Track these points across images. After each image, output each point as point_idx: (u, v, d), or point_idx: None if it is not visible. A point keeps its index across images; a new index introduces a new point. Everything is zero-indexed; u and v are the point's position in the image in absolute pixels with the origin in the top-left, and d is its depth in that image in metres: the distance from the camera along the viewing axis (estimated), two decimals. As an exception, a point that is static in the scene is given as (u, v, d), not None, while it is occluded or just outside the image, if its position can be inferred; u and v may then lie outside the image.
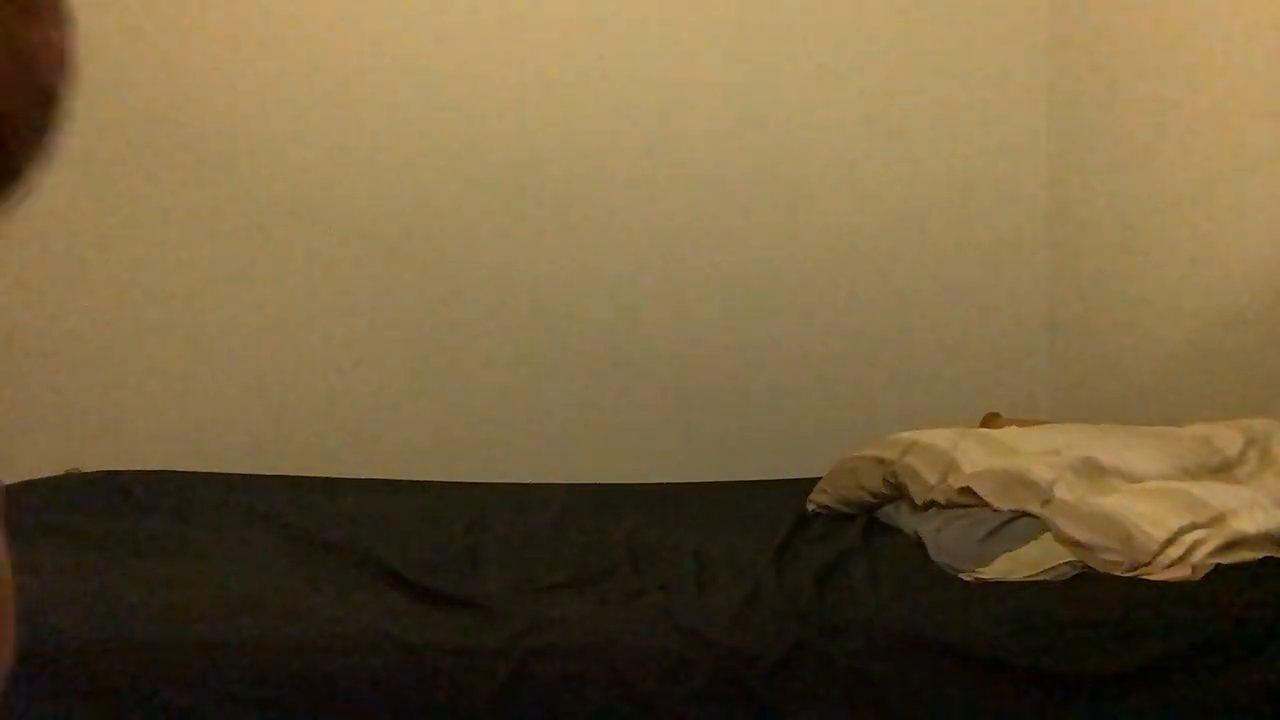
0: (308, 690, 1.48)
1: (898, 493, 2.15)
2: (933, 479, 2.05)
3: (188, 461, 2.60)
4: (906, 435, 2.22)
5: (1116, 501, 1.81)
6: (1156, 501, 1.78)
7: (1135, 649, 1.55)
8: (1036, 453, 2.04)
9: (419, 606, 1.66)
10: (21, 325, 2.76)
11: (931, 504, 2.03)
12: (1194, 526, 1.71)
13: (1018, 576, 1.75)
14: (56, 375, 2.78)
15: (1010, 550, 1.80)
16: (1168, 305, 2.53)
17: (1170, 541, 1.69)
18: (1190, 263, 2.46)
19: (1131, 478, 1.94)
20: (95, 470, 2.46)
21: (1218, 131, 2.36)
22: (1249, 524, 1.72)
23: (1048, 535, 1.81)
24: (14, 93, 0.63)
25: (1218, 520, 1.72)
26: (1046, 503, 1.86)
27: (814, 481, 2.35)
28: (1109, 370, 2.77)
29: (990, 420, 2.62)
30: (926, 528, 1.98)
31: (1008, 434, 2.21)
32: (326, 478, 2.58)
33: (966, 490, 1.97)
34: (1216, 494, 1.79)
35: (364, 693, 1.48)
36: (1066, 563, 1.75)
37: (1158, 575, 1.68)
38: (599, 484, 2.58)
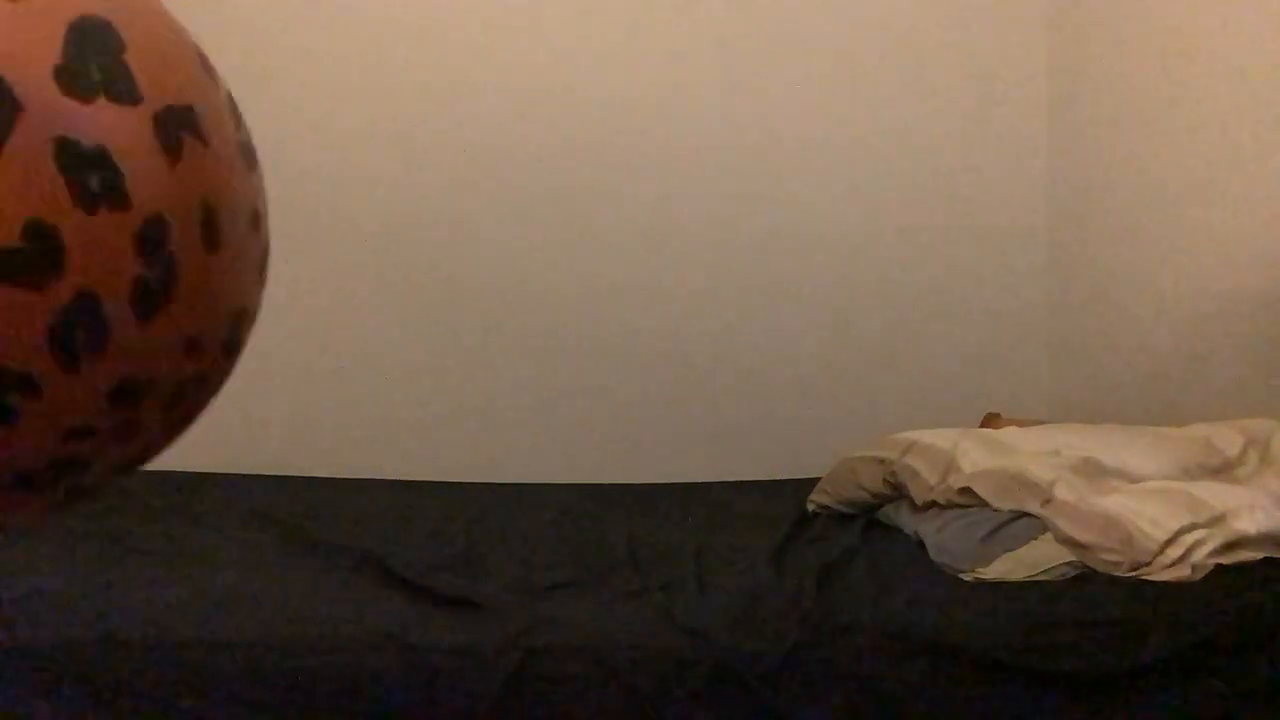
0: (308, 690, 1.48)
1: (898, 493, 2.15)
2: (933, 479, 2.05)
3: (188, 461, 2.60)
4: (906, 435, 2.22)
5: (1116, 502, 1.81)
6: (1156, 502, 1.78)
7: (1135, 649, 1.55)
8: (1036, 453, 2.04)
9: (419, 606, 1.66)
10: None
11: (931, 504, 2.03)
12: (1194, 527, 1.71)
13: (1018, 577, 1.75)
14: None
15: (1010, 550, 1.80)
16: (1168, 305, 2.53)
17: (1170, 542, 1.70)
18: (1190, 263, 2.46)
19: (1131, 478, 1.94)
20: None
21: (1218, 130, 2.36)
22: (1249, 524, 1.72)
23: (1048, 535, 1.81)
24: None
25: (1218, 520, 1.72)
26: (1046, 503, 1.86)
27: (814, 481, 2.35)
28: (1109, 370, 2.77)
29: (990, 420, 2.62)
30: (926, 528, 1.98)
31: (1008, 434, 2.21)
32: (326, 478, 2.58)
33: (966, 490, 1.97)
34: (1216, 494, 1.79)
35: (364, 693, 1.48)
36: (1066, 563, 1.75)
37: (1158, 575, 1.68)
38: (599, 484, 2.59)
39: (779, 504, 2.34)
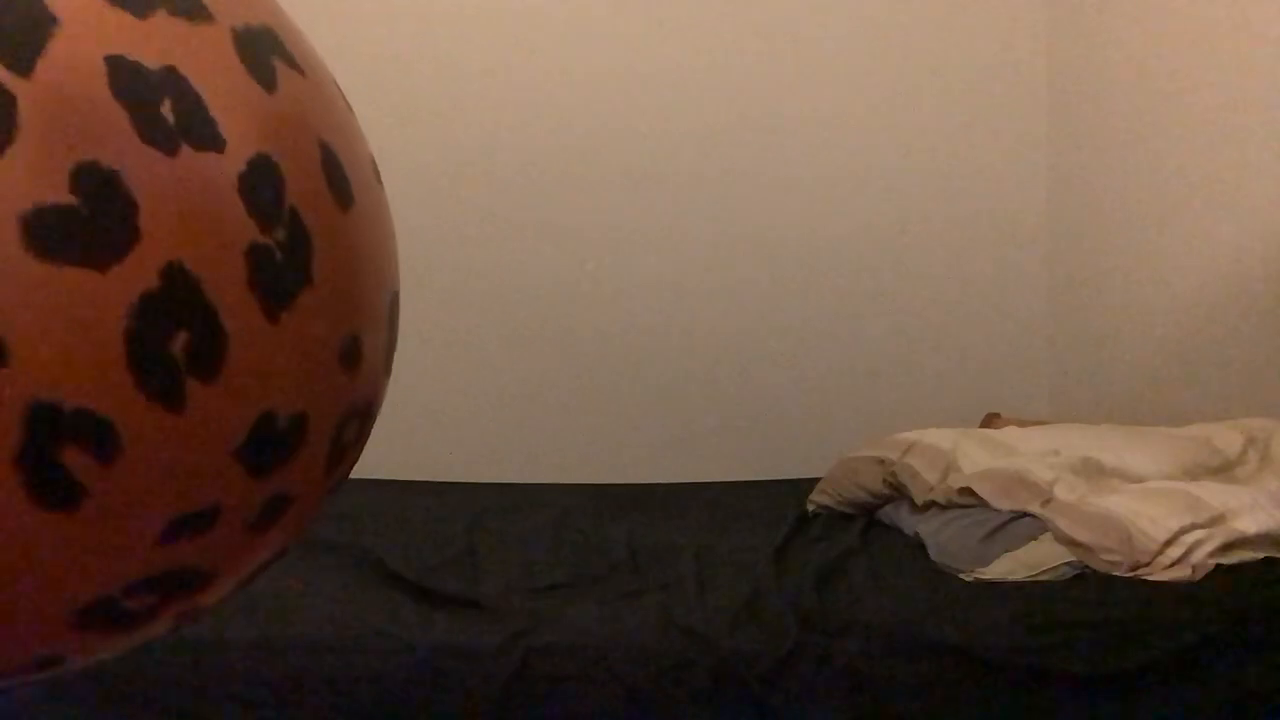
0: (308, 690, 1.48)
1: (898, 493, 2.15)
2: (933, 479, 2.05)
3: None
4: (906, 435, 2.22)
5: (1116, 502, 1.81)
6: (1156, 502, 1.78)
7: (1135, 649, 1.55)
8: (1036, 453, 2.04)
9: (419, 606, 1.66)
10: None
11: (931, 504, 2.03)
12: (1194, 527, 1.71)
13: (1018, 576, 1.75)
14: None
15: (1010, 550, 1.80)
16: (1168, 305, 2.53)
17: (1170, 542, 1.70)
18: (1190, 263, 2.46)
19: (1131, 478, 1.94)
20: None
21: (1218, 130, 2.36)
22: (1249, 524, 1.72)
23: (1048, 535, 1.81)
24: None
25: (1218, 520, 1.72)
26: (1047, 503, 1.86)
27: (814, 481, 2.35)
28: (1109, 370, 2.77)
29: (990, 420, 2.62)
30: (926, 528, 1.98)
31: (1008, 434, 2.21)
32: (326, 478, 2.58)
33: (966, 490, 1.97)
34: (1216, 494, 1.79)
35: (364, 693, 1.48)
36: (1066, 563, 1.75)
37: (1158, 575, 1.68)
38: (599, 484, 2.59)
39: (779, 504, 2.33)
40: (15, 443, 0.41)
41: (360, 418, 0.57)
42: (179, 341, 0.45)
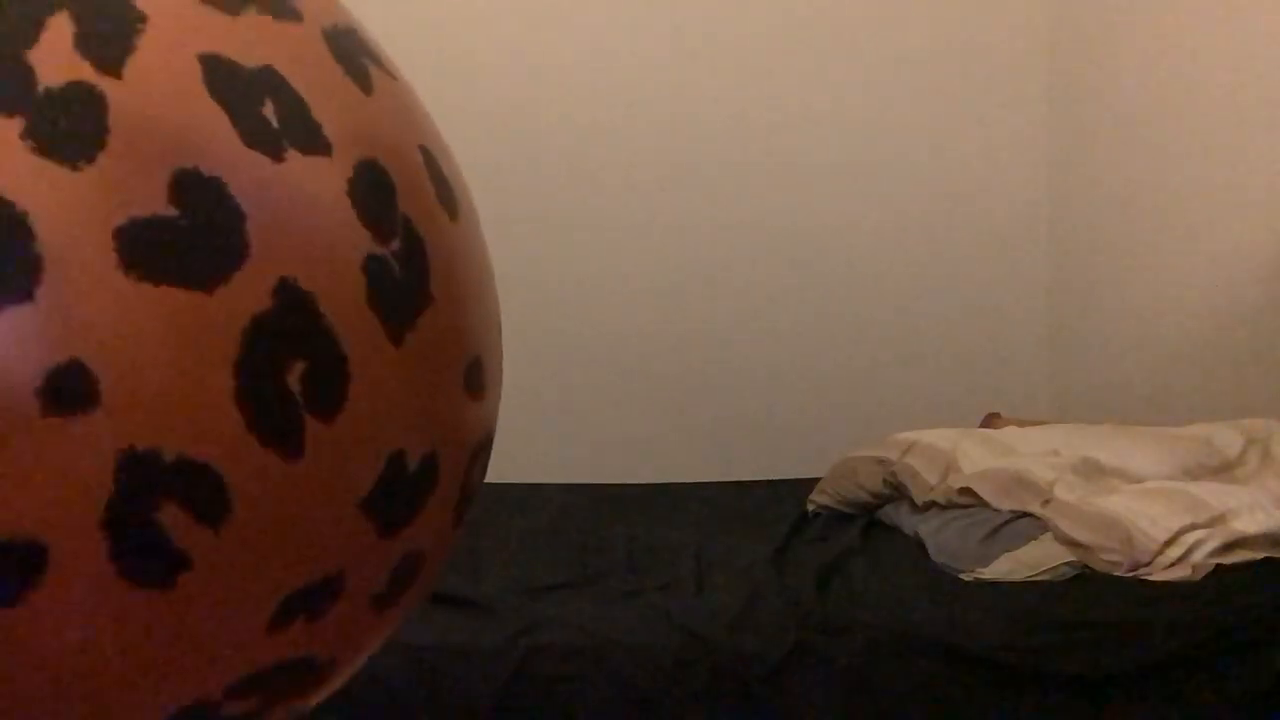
0: (307, 690, 1.48)
1: (898, 493, 2.15)
2: (933, 479, 2.05)
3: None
4: (906, 435, 2.22)
5: (1117, 502, 1.81)
6: (1156, 502, 1.78)
7: (1135, 649, 1.55)
8: (1036, 453, 2.04)
9: (419, 606, 1.66)
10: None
11: (931, 504, 2.03)
12: (1194, 527, 1.71)
13: (1018, 576, 1.75)
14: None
15: (1010, 550, 1.80)
16: (1168, 305, 2.53)
17: (1170, 542, 1.70)
18: (1190, 263, 2.46)
19: (1131, 478, 1.94)
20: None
21: (1218, 130, 2.36)
22: (1249, 524, 1.72)
23: (1048, 535, 1.81)
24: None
25: (1218, 520, 1.72)
26: (1047, 503, 1.86)
27: (814, 481, 2.35)
28: (1109, 370, 2.77)
29: (990, 420, 2.62)
30: (926, 528, 1.98)
31: (1008, 434, 2.21)
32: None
33: (966, 490, 1.97)
34: (1216, 494, 1.79)
35: (364, 693, 1.48)
36: (1066, 563, 1.76)
37: (1158, 575, 1.68)
38: (599, 484, 2.58)
39: (779, 504, 2.33)
40: (103, 500, 0.34)
41: (486, 451, 0.51)
42: (296, 372, 0.39)
